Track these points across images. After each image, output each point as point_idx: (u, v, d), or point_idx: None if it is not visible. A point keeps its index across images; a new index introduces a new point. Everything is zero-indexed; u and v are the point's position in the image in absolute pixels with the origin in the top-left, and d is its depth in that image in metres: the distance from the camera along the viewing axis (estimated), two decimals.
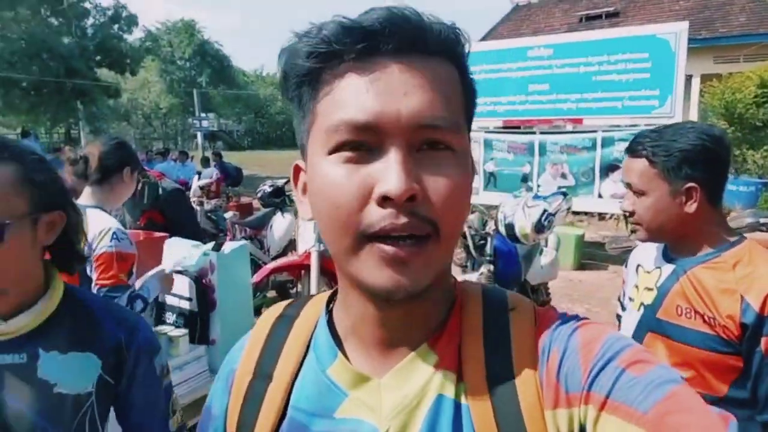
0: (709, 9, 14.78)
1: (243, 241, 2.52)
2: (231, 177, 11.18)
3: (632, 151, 1.36)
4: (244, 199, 9.43)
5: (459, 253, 3.18)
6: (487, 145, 7.02)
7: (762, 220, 5.25)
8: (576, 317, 0.56)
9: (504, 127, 7.00)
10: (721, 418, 0.45)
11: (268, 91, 46.25)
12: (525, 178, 6.74)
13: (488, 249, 2.95)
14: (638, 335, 1.37)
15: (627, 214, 1.38)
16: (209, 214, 4.21)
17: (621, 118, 6.26)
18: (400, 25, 0.49)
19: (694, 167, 1.28)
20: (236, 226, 4.50)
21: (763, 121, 9.19)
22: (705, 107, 10.58)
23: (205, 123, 29.76)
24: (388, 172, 0.47)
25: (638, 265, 1.50)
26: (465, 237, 3.03)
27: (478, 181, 7.11)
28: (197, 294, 2.25)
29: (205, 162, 11.64)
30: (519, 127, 7.06)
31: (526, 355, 0.53)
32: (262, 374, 0.61)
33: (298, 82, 0.53)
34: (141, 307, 1.95)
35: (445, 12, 0.56)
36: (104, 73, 23.42)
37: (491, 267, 2.95)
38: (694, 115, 11.25)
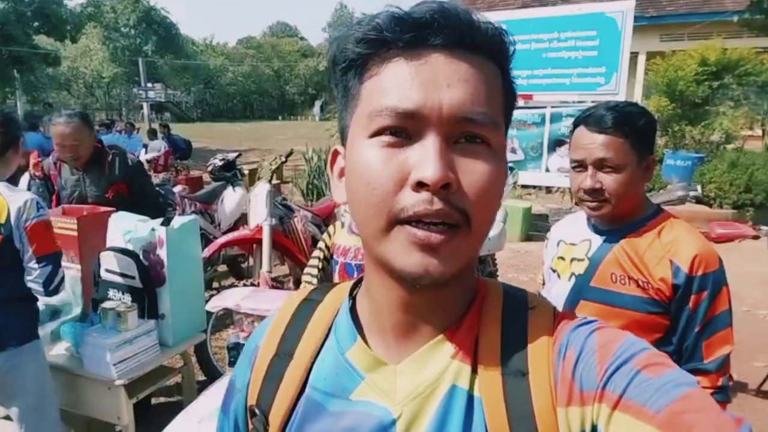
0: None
1: (192, 216, 2.49)
2: (180, 150, 10.90)
3: (605, 126, 1.33)
4: (194, 173, 9.20)
5: None
6: None
7: (691, 193, 5.54)
8: (595, 320, 0.56)
9: None
10: (734, 420, 0.45)
11: (219, 62, 44.83)
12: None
13: None
14: (571, 303, 1.45)
15: (584, 191, 1.37)
16: (158, 189, 4.12)
17: (569, 94, 6.42)
18: (449, 20, 0.50)
19: (651, 140, 1.37)
20: (186, 200, 4.41)
21: (702, 98, 9.59)
22: (649, 84, 10.95)
23: (151, 93, 28.60)
24: (426, 159, 0.49)
25: (560, 240, 1.56)
26: None
27: None
28: (139, 271, 2.23)
29: (152, 134, 11.25)
30: None
31: (541, 353, 0.53)
32: (284, 353, 0.64)
33: (345, 67, 0.55)
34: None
35: None
36: (43, 40, 22.13)
37: None
38: (638, 92, 11.63)
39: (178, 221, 2.33)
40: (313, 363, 0.62)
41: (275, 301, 1.97)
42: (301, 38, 56.93)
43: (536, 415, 0.51)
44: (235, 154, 5.01)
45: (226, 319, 3.70)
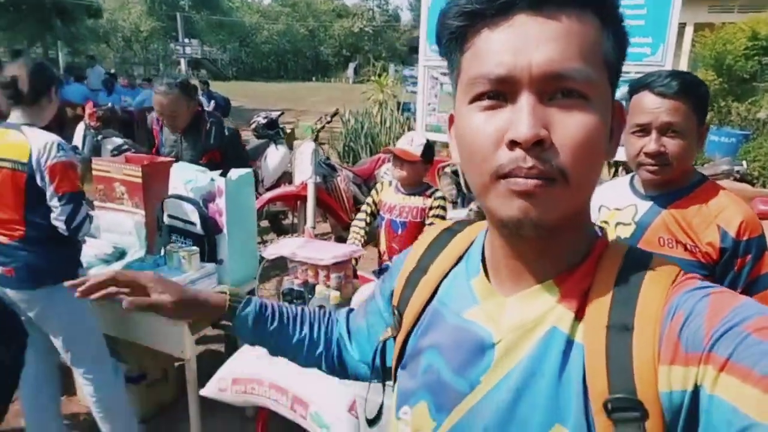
0: None
1: (248, 169, 2.62)
2: (220, 107, 11.05)
3: (672, 91, 1.36)
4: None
5: (450, 190, 3.33)
6: None
7: (736, 168, 5.46)
8: (713, 285, 0.56)
9: None
10: None
11: (254, 19, 44.63)
12: None
13: None
14: None
15: (647, 154, 1.40)
16: None
17: None
18: None
19: (707, 109, 1.44)
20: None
21: (750, 74, 9.29)
22: (695, 57, 10.61)
23: (188, 50, 28.81)
24: (518, 119, 0.52)
25: (601, 206, 1.61)
26: (457, 174, 3.16)
27: None
28: (200, 218, 2.38)
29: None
30: None
31: (650, 311, 0.54)
32: (421, 267, 0.75)
33: (448, 39, 0.59)
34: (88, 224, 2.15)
35: None
36: None
37: (479, 204, 3.11)
38: (684, 65, 11.27)
39: (236, 173, 2.46)
40: (442, 281, 0.72)
41: (328, 251, 2.10)
42: None
43: (636, 369, 0.52)
44: (278, 113, 5.13)
45: (270, 270, 3.88)
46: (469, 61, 0.56)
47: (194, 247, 2.31)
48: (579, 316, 0.58)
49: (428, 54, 7.27)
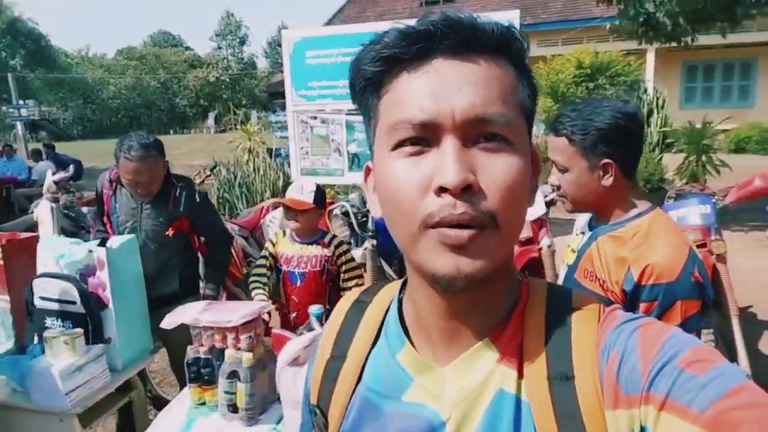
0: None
1: (131, 235, 2.42)
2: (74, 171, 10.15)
3: (555, 130, 1.43)
4: (87, 194, 8.65)
5: (343, 231, 3.34)
6: (349, 127, 7.17)
7: None
8: (640, 317, 0.56)
9: None
10: None
11: (98, 75, 41.97)
12: None
13: (370, 225, 3.15)
14: None
15: (555, 187, 1.47)
16: (67, 212, 3.85)
17: None
18: (452, 27, 0.52)
19: (609, 144, 1.36)
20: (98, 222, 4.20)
21: (581, 98, 10.54)
22: None
23: (23, 111, 26.23)
24: (445, 165, 0.50)
25: (576, 233, 1.64)
26: (348, 215, 3.18)
27: (342, 163, 7.29)
28: (80, 295, 2.14)
29: (37, 155, 10.43)
30: None
31: (586, 356, 0.53)
32: (338, 355, 0.67)
33: (363, 86, 0.57)
34: None
35: None
36: None
37: (374, 242, 3.15)
38: None
39: (117, 241, 2.26)
40: (365, 363, 0.64)
41: (234, 312, 1.98)
42: (187, 48, 54.81)
43: (584, 418, 0.51)
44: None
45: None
46: (387, 107, 0.55)
47: (77, 329, 2.06)
48: (520, 372, 0.56)
49: (295, 99, 7.33)
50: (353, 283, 2.70)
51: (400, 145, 0.53)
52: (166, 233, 2.60)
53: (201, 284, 2.84)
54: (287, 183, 8.65)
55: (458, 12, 0.53)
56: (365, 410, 0.62)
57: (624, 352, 0.51)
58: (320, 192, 2.68)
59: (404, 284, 0.67)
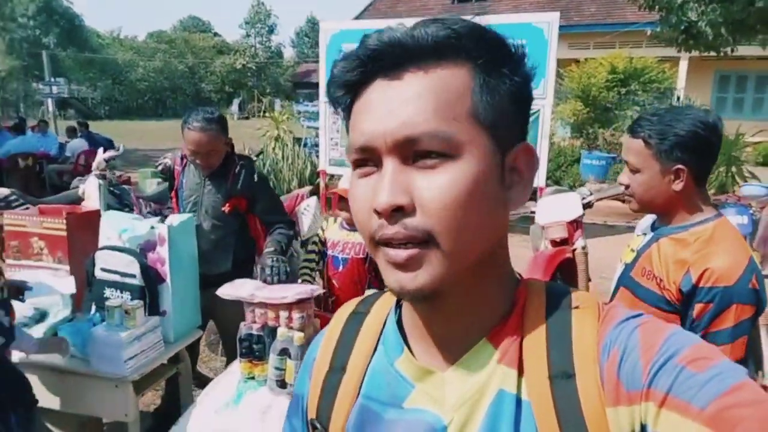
0: None
1: (189, 214, 2.51)
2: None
3: (632, 132, 1.47)
4: (118, 173, 8.84)
5: None
6: None
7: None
8: (639, 315, 0.56)
9: None
10: None
11: (128, 56, 42.53)
12: None
13: None
14: (616, 288, 1.63)
15: (624, 186, 1.51)
16: (112, 189, 3.99)
17: None
18: (385, 47, 0.52)
19: (684, 151, 1.40)
20: (141, 200, 4.32)
21: (612, 103, 10.48)
22: (560, 88, 11.78)
23: (54, 89, 26.75)
24: (379, 187, 0.51)
25: (637, 233, 1.69)
26: None
27: None
28: (141, 269, 2.25)
29: (72, 132, 10.62)
30: None
31: (587, 353, 0.53)
32: (337, 367, 0.66)
33: (340, 108, 0.59)
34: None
35: None
36: None
37: None
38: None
39: (176, 219, 2.36)
40: (365, 374, 0.64)
41: (288, 290, 2.07)
42: (215, 34, 55.20)
43: (586, 416, 0.51)
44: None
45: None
46: (349, 129, 0.57)
47: (137, 301, 2.16)
48: (520, 371, 0.55)
49: None
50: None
51: (355, 165, 0.56)
52: (222, 209, 2.65)
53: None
54: (315, 172, 8.75)
55: (395, 28, 0.53)
56: (366, 420, 0.61)
57: (625, 350, 0.51)
58: None
59: None
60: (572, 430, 0.51)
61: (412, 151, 0.51)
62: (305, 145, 9.90)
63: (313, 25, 51.15)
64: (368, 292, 0.75)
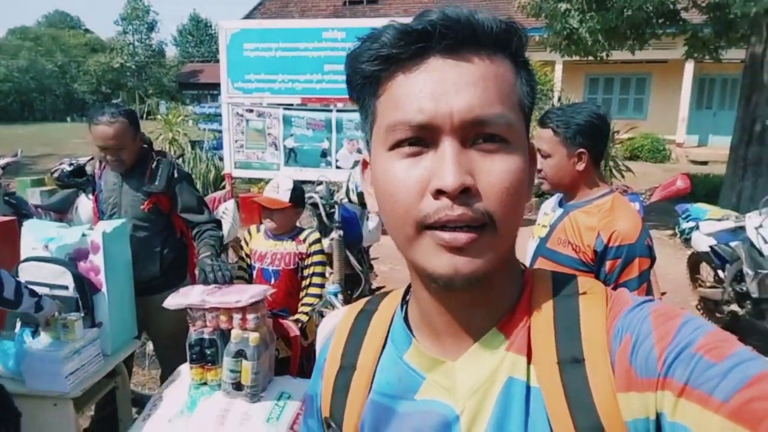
0: (454, 3, 17.13)
1: (122, 220, 2.39)
2: None
3: (542, 123, 1.79)
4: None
5: (310, 223, 3.43)
6: (287, 121, 7.22)
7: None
8: (649, 301, 0.56)
9: (302, 105, 7.28)
10: None
11: None
12: (324, 153, 7.15)
13: (337, 216, 3.27)
14: (533, 258, 1.88)
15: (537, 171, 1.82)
16: (7, 198, 3.62)
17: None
18: (450, 25, 0.51)
19: (584, 137, 1.72)
20: (39, 210, 3.97)
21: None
22: None
23: None
24: (443, 167, 0.50)
25: (544, 212, 2.01)
26: (317, 206, 3.29)
27: (279, 157, 7.30)
28: (75, 280, 2.12)
29: None
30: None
31: (596, 339, 0.53)
32: (348, 365, 0.67)
33: (361, 84, 0.57)
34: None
35: None
36: None
37: (341, 232, 3.28)
38: None
39: (109, 225, 2.25)
40: (375, 370, 0.64)
41: (241, 293, 2.06)
42: (86, 31, 51.20)
43: (596, 401, 0.51)
44: (87, 158, 4.62)
45: None
46: (385, 107, 0.55)
47: (75, 313, 2.04)
48: (530, 358, 0.56)
49: (231, 91, 7.28)
50: (309, 281, 2.68)
51: (397, 145, 0.54)
52: (142, 208, 2.58)
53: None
54: (219, 176, 8.47)
55: (456, 9, 0.52)
56: (380, 415, 0.62)
57: (638, 336, 0.51)
58: (298, 191, 2.66)
59: (409, 288, 0.67)
60: (583, 414, 0.51)
61: (476, 133, 0.52)
62: (201, 148, 9.54)
63: (197, 23, 49.05)
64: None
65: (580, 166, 1.76)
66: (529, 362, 0.55)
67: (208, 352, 2.07)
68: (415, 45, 0.51)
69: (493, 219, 0.51)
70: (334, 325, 1.85)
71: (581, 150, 1.74)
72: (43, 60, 40.86)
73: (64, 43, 43.64)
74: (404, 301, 0.67)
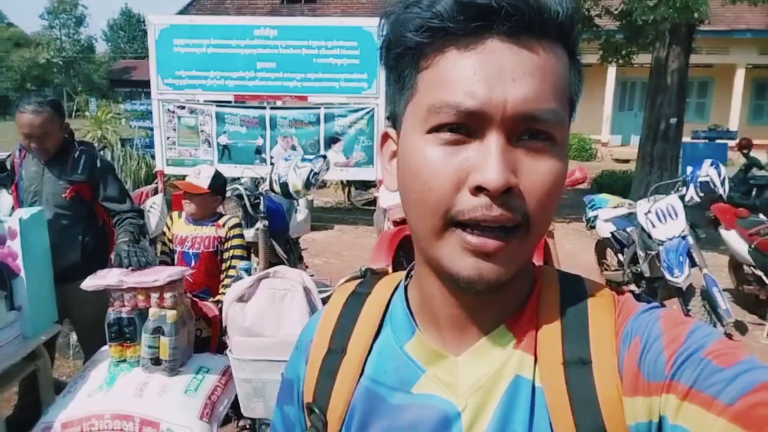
0: (392, 4, 17.37)
1: (38, 207, 2.44)
2: None
3: None
4: None
5: (237, 212, 3.54)
6: (220, 118, 7.24)
7: None
8: (657, 306, 0.55)
9: (235, 102, 7.32)
10: None
11: None
12: (258, 150, 7.22)
13: (262, 207, 3.39)
14: None
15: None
16: None
17: (338, 96, 7.20)
18: (517, 5, 0.46)
19: None
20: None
21: None
22: None
23: None
24: (487, 162, 0.46)
25: None
26: (241, 198, 3.41)
27: (212, 154, 7.32)
28: None
29: None
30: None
31: (605, 342, 0.52)
32: (336, 349, 0.63)
33: (400, 53, 0.52)
34: None
35: None
36: None
37: (266, 222, 3.41)
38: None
39: (26, 212, 2.31)
40: (367, 356, 0.61)
41: (159, 273, 2.18)
42: (9, 24, 48.47)
43: (602, 403, 0.49)
44: (6, 154, 4.53)
45: None
46: (428, 84, 0.50)
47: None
48: (536, 357, 0.54)
49: (162, 87, 7.26)
50: (229, 263, 2.82)
51: (437, 129, 0.49)
52: (63, 196, 2.64)
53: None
54: (150, 173, 8.37)
55: None
56: (371, 404, 0.59)
57: (648, 340, 0.50)
58: (219, 179, 2.84)
59: (408, 274, 0.65)
60: (585, 416, 0.50)
61: (526, 128, 0.48)
62: (135, 146, 9.39)
63: (128, 18, 47.35)
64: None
65: None
66: (536, 362, 0.54)
67: (126, 330, 2.18)
68: (474, 22, 0.47)
69: (529, 221, 0.49)
70: (239, 292, 2.01)
71: None
72: None
73: None
74: (405, 285, 0.64)
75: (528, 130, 0.48)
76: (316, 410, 0.62)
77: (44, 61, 40.52)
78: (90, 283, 2.16)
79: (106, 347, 2.24)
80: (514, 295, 0.57)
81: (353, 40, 7.07)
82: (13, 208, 2.85)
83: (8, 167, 2.81)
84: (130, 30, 46.75)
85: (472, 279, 0.50)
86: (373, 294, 0.66)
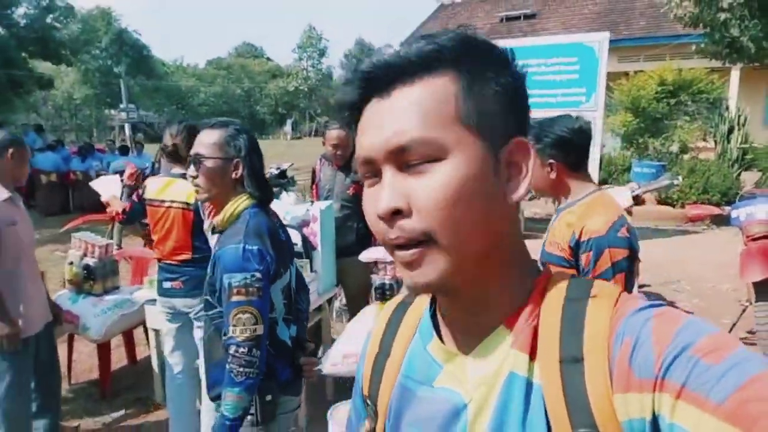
0: (614, 13, 16.64)
1: (330, 201, 3.38)
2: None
3: None
4: None
5: None
6: None
7: (675, 181, 6.68)
8: (657, 304, 0.56)
9: None
10: None
11: (190, 83, 45.25)
12: None
13: None
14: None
15: None
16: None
17: (555, 111, 7.29)
18: (375, 69, 0.57)
19: (553, 149, 1.84)
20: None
21: (662, 114, 10.87)
22: (610, 101, 12.22)
23: (125, 114, 29.01)
24: (380, 194, 0.56)
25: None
26: None
27: None
28: (302, 240, 3.11)
29: (124, 150, 11.49)
30: None
31: (598, 340, 0.54)
32: (383, 351, 0.73)
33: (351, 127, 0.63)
34: None
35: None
36: (35, 64, 22.70)
37: None
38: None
39: (323, 204, 3.22)
40: (405, 357, 0.70)
41: None
42: (268, 59, 57.60)
43: (591, 400, 0.52)
44: (288, 164, 5.88)
45: None
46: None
47: (304, 260, 3.02)
48: (533, 355, 0.58)
49: None
50: None
51: (365, 178, 0.60)
52: (347, 192, 3.43)
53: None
54: None
55: (383, 51, 0.58)
56: (403, 396, 0.68)
57: (638, 339, 0.51)
58: None
59: None
60: (578, 412, 0.53)
61: (405, 159, 0.55)
62: None
63: (361, 47, 52.84)
64: None
65: (552, 175, 1.88)
66: (532, 359, 0.58)
67: (387, 293, 2.91)
68: (356, 93, 0.59)
69: (431, 235, 0.54)
70: None
71: (551, 161, 1.86)
72: (234, 86, 47.01)
73: (250, 71, 49.79)
74: (433, 297, 0.71)
75: (408, 159, 0.55)
76: (370, 402, 0.74)
77: (293, 88, 47.38)
78: (365, 255, 2.94)
79: (368, 306, 3.00)
80: (506, 295, 0.61)
81: (573, 56, 7.28)
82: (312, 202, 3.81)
83: (287, 176, 3.71)
84: (362, 57, 51.86)
85: (410, 285, 0.58)
86: (414, 303, 0.75)
